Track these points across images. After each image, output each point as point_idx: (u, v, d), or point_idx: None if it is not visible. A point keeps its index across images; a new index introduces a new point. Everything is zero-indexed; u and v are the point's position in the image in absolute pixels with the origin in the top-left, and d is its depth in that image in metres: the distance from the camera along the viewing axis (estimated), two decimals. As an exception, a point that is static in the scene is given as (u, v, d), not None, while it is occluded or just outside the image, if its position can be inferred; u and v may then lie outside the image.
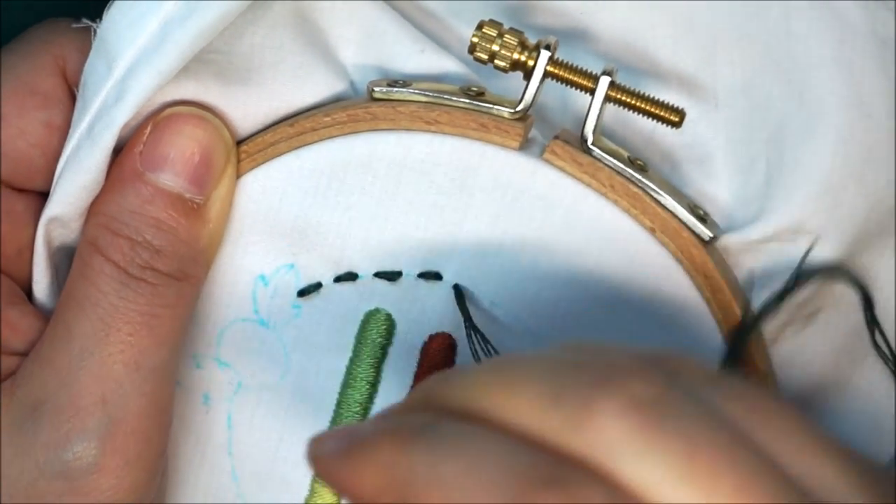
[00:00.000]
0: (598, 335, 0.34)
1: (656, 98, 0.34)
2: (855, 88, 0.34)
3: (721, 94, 0.35)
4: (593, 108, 0.34)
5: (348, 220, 0.34)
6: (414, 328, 0.34)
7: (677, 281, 0.34)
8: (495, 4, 0.36)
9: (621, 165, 0.34)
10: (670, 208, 0.34)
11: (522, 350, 0.34)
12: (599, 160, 0.34)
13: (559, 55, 0.34)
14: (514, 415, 0.24)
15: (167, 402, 0.34)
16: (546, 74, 0.34)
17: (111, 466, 0.32)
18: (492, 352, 0.34)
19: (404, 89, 0.34)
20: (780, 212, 0.35)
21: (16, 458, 0.32)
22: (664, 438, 0.22)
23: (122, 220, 0.33)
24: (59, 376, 0.33)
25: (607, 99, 0.34)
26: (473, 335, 0.34)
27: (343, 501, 0.36)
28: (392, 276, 0.34)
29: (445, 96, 0.34)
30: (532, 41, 0.34)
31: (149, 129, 0.34)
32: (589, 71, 0.34)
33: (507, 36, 0.34)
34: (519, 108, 0.34)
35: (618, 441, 0.23)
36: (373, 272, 0.35)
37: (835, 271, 0.34)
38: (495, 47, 0.34)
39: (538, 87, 0.34)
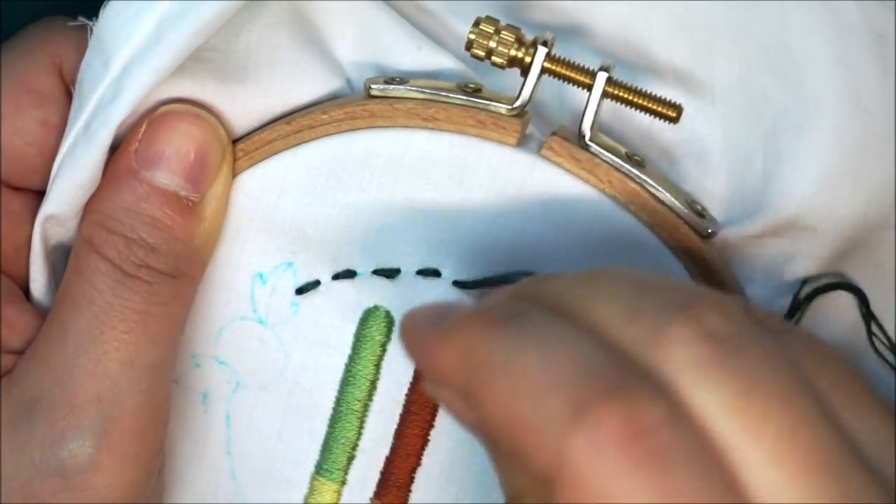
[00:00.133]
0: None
1: (654, 94, 0.34)
2: (851, 83, 0.34)
3: (718, 89, 0.35)
4: (591, 104, 0.34)
5: (346, 217, 0.34)
6: None
7: (676, 276, 0.34)
8: (491, 2, 0.36)
9: (619, 161, 0.34)
10: (668, 204, 0.34)
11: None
12: (597, 156, 0.34)
13: (556, 51, 0.34)
14: (598, 320, 0.25)
15: (163, 400, 0.34)
16: (543, 71, 0.34)
17: (107, 464, 0.32)
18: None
19: (401, 86, 0.34)
20: (778, 207, 0.35)
21: (12, 455, 0.32)
22: (725, 373, 0.23)
23: (118, 217, 0.33)
24: (55, 374, 0.32)
25: (605, 95, 0.34)
26: None
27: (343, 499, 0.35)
28: (391, 273, 0.34)
29: (443, 93, 0.34)
30: (529, 38, 0.34)
31: (144, 126, 0.34)
32: (586, 67, 0.34)
33: (504, 32, 0.34)
34: (516, 105, 0.34)
35: (684, 366, 0.24)
36: (371, 269, 0.34)
37: (832, 284, 0.34)
38: (492, 44, 0.34)
39: (535, 84, 0.34)
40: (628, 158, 0.34)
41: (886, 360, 0.36)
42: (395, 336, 0.35)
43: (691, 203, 0.34)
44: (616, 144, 0.35)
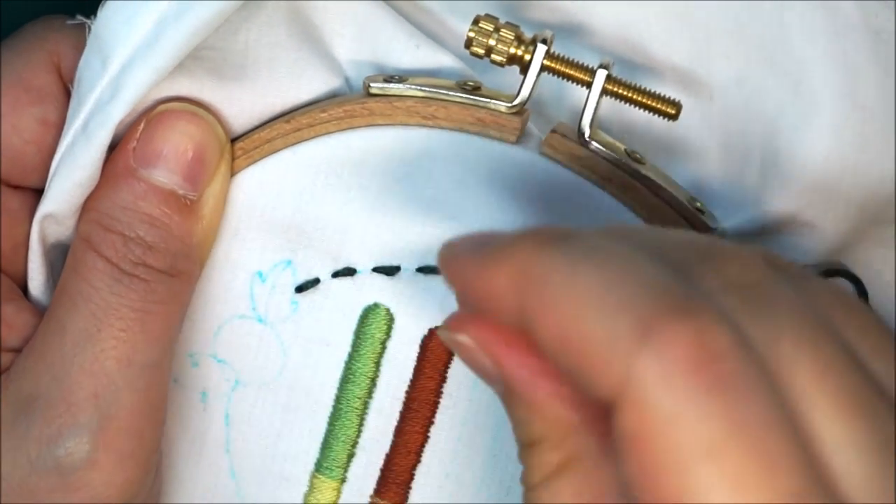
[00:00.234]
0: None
1: (653, 91, 0.34)
2: (849, 80, 0.34)
3: (716, 86, 0.35)
4: (590, 101, 0.34)
5: (346, 215, 0.34)
6: (413, 323, 0.34)
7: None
8: (490, 0, 0.36)
9: (618, 158, 0.34)
10: (668, 200, 0.34)
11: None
12: (597, 153, 0.34)
13: (555, 49, 0.34)
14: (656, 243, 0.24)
15: (160, 398, 0.33)
16: (543, 68, 0.34)
17: (103, 462, 0.32)
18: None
19: (401, 84, 0.34)
20: (776, 204, 0.35)
21: (8, 453, 0.32)
22: (750, 323, 0.23)
23: (115, 216, 0.33)
24: (52, 371, 0.32)
25: (604, 92, 0.34)
26: None
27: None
28: (390, 270, 0.34)
29: (442, 91, 0.34)
30: (528, 36, 0.34)
31: (142, 125, 0.34)
32: (585, 65, 0.34)
33: (503, 30, 0.34)
34: (516, 103, 0.34)
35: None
36: (371, 267, 0.34)
37: (830, 270, 0.34)
38: (492, 42, 0.34)
39: (535, 81, 0.34)
40: (628, 155, 0.34)
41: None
42: (394, 333, 0.34)
43: (691, 200, 0.34)
44: (615, 141, 0.35)
